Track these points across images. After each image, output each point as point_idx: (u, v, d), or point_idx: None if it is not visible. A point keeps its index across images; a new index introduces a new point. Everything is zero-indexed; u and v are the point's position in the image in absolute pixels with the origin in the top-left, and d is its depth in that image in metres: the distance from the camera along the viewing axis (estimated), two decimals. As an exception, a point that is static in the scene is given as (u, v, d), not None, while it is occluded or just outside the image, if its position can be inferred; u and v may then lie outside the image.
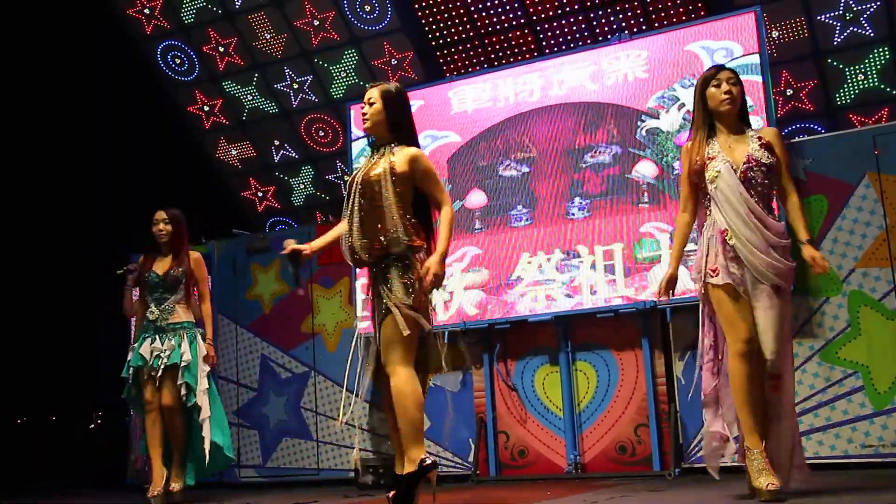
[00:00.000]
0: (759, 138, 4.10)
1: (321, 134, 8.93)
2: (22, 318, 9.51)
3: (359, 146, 7.29)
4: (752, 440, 3.88)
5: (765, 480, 3.77)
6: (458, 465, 6.75)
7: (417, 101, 7.10)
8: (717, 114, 4.15)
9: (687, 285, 5.87)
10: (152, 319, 5.71)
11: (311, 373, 7.46)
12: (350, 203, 4.13)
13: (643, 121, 6.30)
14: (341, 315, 7.39)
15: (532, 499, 4.49)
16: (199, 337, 5.75)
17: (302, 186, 9.32)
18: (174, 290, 5.75)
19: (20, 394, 10.16)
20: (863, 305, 5.70)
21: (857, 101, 7.17)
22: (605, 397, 6.33)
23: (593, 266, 6.28)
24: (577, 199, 6.43)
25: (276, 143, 9.17)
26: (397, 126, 4.16)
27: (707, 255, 4.08)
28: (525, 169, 6.65)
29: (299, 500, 5.31)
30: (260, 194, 9.50)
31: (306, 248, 4.32)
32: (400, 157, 4.07)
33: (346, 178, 8.54)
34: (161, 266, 5.77)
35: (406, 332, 3.87)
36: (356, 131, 7.30)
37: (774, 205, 4.21)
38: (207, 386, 5.68)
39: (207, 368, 5.72)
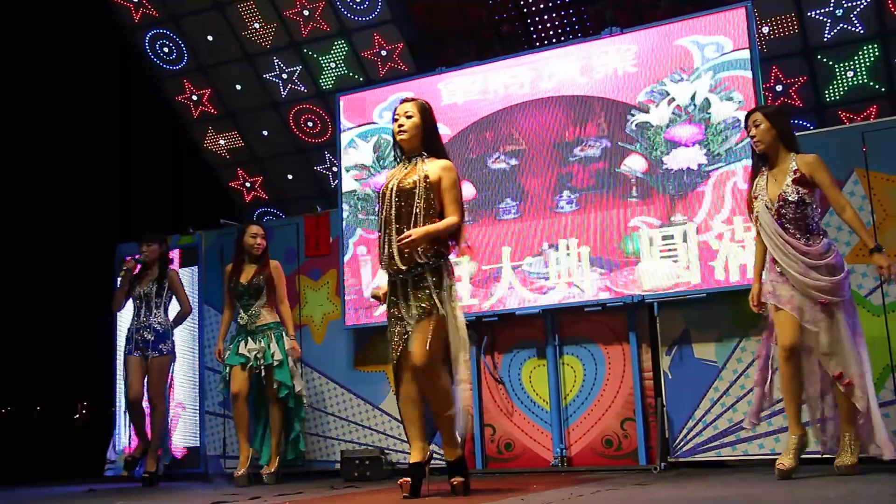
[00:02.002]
0: (796, 171, 4.61)
1: (310, 125, 8.89)
2: (6, 309, 9.46)
3: (347, 137, 7.26)
4: (791, 427, 4.60)
5: (781, 459, 4.49)
6: (443, 458, 6.72)
7: (407, 92, 7.10)
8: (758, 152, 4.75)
9: (675, 279, 5.89)
10: (242, 324, 6.49)
11: (298, 364, 7.43)
12: (385, 211, 4.35)
13: (633, 115, 6.29)
14: (328, 307, 7.37)
15: (518, 492, 4.48)
16: (284, 336, 6.50)
17: (290, 177, 9.28)
18: (258, 296, 6.45)
19: (4, 384, 10.10)
20: (849, 301, 5.72)
21: (846, 97, 7.18)
22: (591, 391, 6.34)
23: (581, 259, 6.28)
24: (566, 193, 6.42)
25: (265, 133, 9.13)
26: (431, 138, 4.46)
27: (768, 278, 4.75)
28: (514, 162, 6.64)
29: (285, 491, 5.29)
30: (248, 185, 9.45)
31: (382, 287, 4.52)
32: (433, 167, 4.35)
33: (333, 169, 8.53)
34: (245, 275, 6.48)
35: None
36: (345, 122, 7.28)
37: (820, 222, 4.74)
38: (300, 389, 6.54)
39: (291, 364, 6.49)
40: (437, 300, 4.22)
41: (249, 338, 6.43)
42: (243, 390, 6.39)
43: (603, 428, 6.26)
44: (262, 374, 6.41)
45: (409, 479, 4.25)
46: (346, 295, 7.05)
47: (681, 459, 5.99)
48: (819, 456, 4.93)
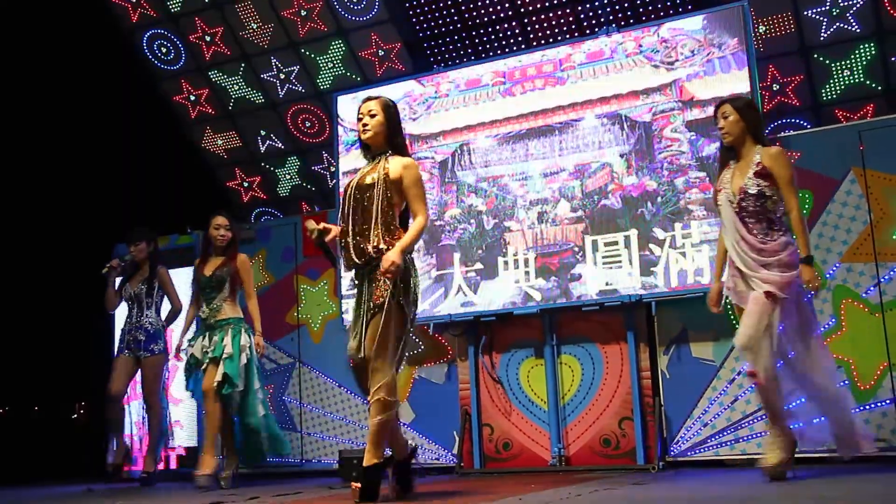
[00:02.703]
0: (758, 164, 4.49)
1: (308, 125, 8.89)
2: (4, 309, 9.45)
3: (346, 137, 7.27)
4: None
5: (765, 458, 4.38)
6: (442, 457, 6.75)
7: (405, 91, 7.11)
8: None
9: (671, 281, 5.89)
10: (204, 318, 6.20)
11: (296, 364, 7.45)
12: (345, 207, 4.37)
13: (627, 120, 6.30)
14: (326, 306, 7.38)
15: (516, 491, 4.48)
16: (244, 332, 6.13)
17: (288, 177, 9.28)
18: (220, 289, 6.17)
19: (2, 385, 10.10)
20: (847, 300, 5.73)
21: (842, 96, 7.18)
22: (589, 390, 6.34)
23: (581, 259, 6.29)
24: (566, 192, 6.43)
25: (263, 133, 9.13)
26: (394, 137, 4.44)
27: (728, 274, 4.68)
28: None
29: (283, 491, 5.30)
30: (245, 185, 9.45)
31: (332, 228, 4.49)
32: (394, 165, 4.33)
33: (331, 169, 8.53)
34: (210, 267, 6.22)
35: (390, 329, 4.10)
36: (342, 122, 7.29)
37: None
38: (244, 388, 6.06)
39: (245, 361, 6.06)
40: (385, 296, 4.12)
41: (207, 333, 6.13)
42: (210, 389, 6.00)
43: (601, 427, 6.27)
44: (206, 366, 6.03)
45: (357, 483, 4.07)
46: (343, 295, 7.06)
47: (679, 459, 6.00)
48: (816, 455, 4.94)
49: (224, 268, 6.18)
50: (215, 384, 5.95)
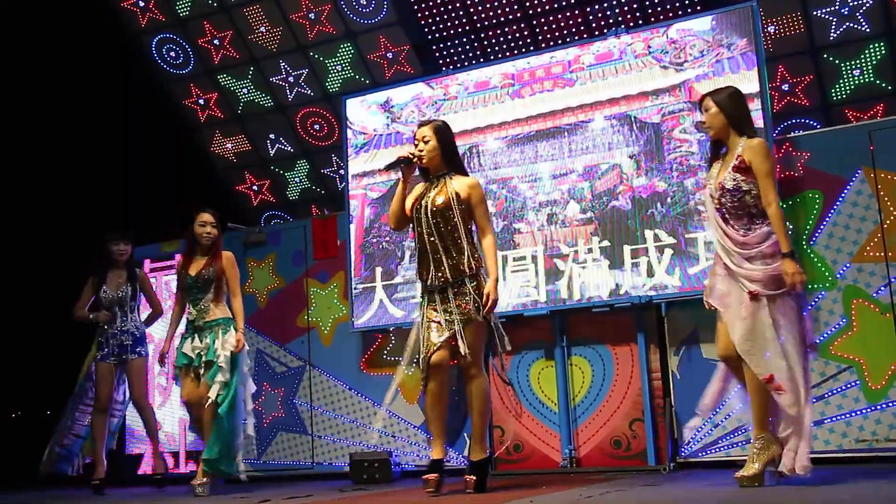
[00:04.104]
0: (738, 157, 4.34)
1: (316, 128, 8.91)
2: (12, 314, 9.48)
3: (354, 140, 7.28)
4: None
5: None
6: (453, 460, 6.75)
7: (414, 94, 7.12)
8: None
9: (682, 282, 5.87)
10: (191, 320, 5.97)
11: (307, 367, 7.46)
12: (424, 229, 4.69)
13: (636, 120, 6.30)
14: (336, 310, 7.39)
15: (527, 493, 4.49)
16: (233, 332, 5.89)
17: (297, 180, 9.30)
18: (207, 289, 5.93)
19: (15, 388, 10.12)
20: (857, 300, 5.72)
21: (852, 96, 7.16)
22: (600, 392, 6.34)
23: (589, 261, 6.29)
24: (576, 194, 6.43)
25: (272, 136, 9.15)
26: (451, 157, 4.78)
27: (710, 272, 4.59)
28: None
29: (294, 494, 5.31)
30: (255, 188, 9.47)
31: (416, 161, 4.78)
32: (461, 185, 4.69)
33: (340, 172, 8.54)
34: (195, 267, 5.97)
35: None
36: (351, 125, 7.30)
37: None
38: (226, 379, 5.75)
39: (224, 364, 5.77)
40: (473, 308, 4.59)
41: (197, 335, 5.87)
42: (194, 395, 5.82)
43: (612, 429, 6.26)
44: (203, 372, 5.80)
45: (436, 474, 4.49)
46: (353, 297, 7.07)
47: (690, 460, 5.99)
48: (826, 456, 4.93)
49: (210, 267, 5.93)
50: (212, 396, 5.70)
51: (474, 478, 4.60)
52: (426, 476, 4.53)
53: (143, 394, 6.88)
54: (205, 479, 5.68)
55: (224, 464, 5.77)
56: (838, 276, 5.78)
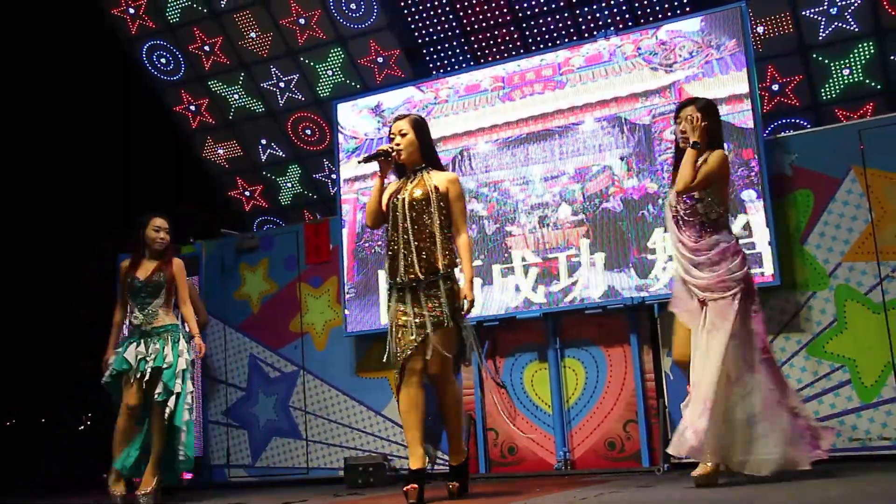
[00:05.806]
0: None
1: (308, 133, 8.91)
2: (10, 321, 9.47)
3: (346, 145, 7.28)
4: None
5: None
6: (447, 462, 6.73)
7: (405, 98, 7.13)
8: None
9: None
10: (137, 324, 5.74)
11: (300, 372, 7.45)
12: (399, 223, 4.47)
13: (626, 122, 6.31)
14: (329, 314, 7.38)
15: (522, 495, 4.49)
16: (182, 339, 5.75)
17: (289, 185, 9.29)
18: (156, 294, 5.76)
19: (9, 396, 10.11)
20: (849, 299, 5.73)
21: (842, 95, 7.18)
22: (593, 393, 6.34)
23: (582, 262, 6.29)
24: (567, 196, 6.44)
25: (263, 142, 9.14)
26: (428, 151, 4.62)
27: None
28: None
29: (289, 499, 5.30)
30: (247, 193, 9.47)
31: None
32: (440, 179, 4.53)
33: (332, 176, 8.54)
34: (144, 271, 5.78)
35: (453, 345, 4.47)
36: (343, 130, 7.30)
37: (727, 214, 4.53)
38: (180, 391, 5.59)
39: (184, 366, 5.65)
40: (446, 311, 4.37)
41: (143, 340, 5.67)
42: (140, 400, 5.62)
43: (605, 430, 6.27)
44: (148, 378, 5.58)
45: (415, 485, 4.28)
46: (346, 302, 7.06)
47: (684, 461, 5.98)
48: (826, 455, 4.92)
49: (160, 272, 5.75)
50: (170, 405, 5.54)
51: (457, 484, 4.61)
52: (406, 487, 4.30)
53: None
54: (149, 488, 5.51)
55: (168, 472, 5.65)
56: (830, 275, 5.79)
